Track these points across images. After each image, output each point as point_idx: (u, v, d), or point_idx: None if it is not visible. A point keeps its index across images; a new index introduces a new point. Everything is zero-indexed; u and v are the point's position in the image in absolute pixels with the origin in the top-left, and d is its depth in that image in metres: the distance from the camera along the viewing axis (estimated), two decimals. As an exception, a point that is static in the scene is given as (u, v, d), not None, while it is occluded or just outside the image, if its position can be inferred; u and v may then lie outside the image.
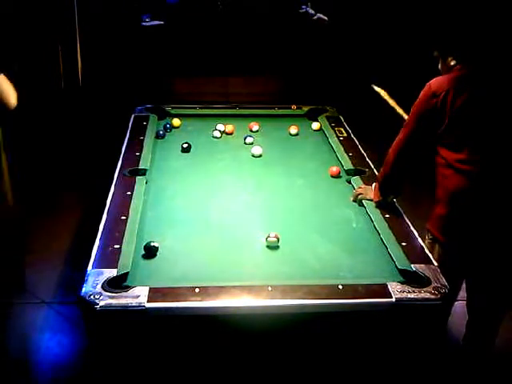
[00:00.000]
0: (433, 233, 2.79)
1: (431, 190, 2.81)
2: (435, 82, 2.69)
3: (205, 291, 2.25)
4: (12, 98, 3.29)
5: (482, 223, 2.70)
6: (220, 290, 2.27)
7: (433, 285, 2.33)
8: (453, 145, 2.67)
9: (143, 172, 3.23)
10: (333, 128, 3.90)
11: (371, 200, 2.98)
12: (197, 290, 2.25)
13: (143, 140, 3.60)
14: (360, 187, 3.10)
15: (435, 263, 2.50)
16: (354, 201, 3.06)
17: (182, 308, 2.20)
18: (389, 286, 2.31)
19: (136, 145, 3.54)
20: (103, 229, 2.66)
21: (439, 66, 2.82)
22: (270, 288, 2.29)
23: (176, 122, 3.95)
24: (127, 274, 2.36)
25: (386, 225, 2.78)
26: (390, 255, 2.56)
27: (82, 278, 2.31)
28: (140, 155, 3.40)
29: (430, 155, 2.80)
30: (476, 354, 3.07)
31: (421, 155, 2.81)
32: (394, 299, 2.25)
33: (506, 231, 2.72)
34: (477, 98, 2.62)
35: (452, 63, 2.72)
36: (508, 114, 2.65)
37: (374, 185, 3.02)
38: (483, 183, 2.65)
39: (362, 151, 3.59)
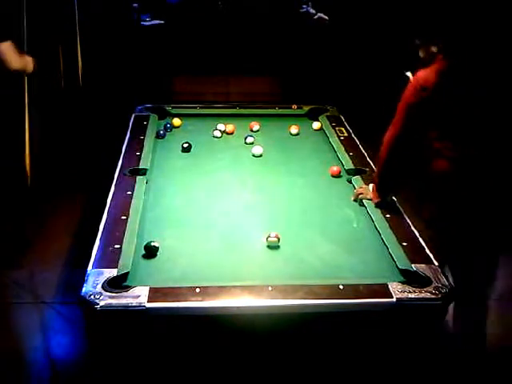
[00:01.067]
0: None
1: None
2: (422, 75, 2.72)
3: (205, 291, 2.24)
4: (13, 64, 3.85)
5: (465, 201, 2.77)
6: (220, 289, 2.27)
7: (433, 285, 2.33)
8: (438, 134, 2.72)
9: (143, 172, 3.22)
10: (333, 128, 3.89)
11: (371, 200, 2.98)
12: (197, 289, 2.24)
13: (143, 140, 3.60)
14: (361, 187, 3.09)
15: (436, 263, 2.50)
16: (355, 200, 3.06)
17: (183, 308, 2.19)
18: (389, 286, 2.30)
19: (136, 144, 3.54)
20: (103, 229, 2.65)
21: (420, 54, 2.82)
22: (270, 288, 2.28)
23: (176, 121, 3.95)
24: (127, 273, 2.36)
25: (387, 224, 2.77)
26: (391, 255, 2.56)
27: (82, 277, 2.30)
28: (140, 155, 3.40)
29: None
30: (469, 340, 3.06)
31: (414, 149, 2.82)
32: (394, 299, 2.25)
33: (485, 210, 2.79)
34: (462, 90, 2.67)
35: (434, 50, 2.74)
36: (492, 105, 2.70)
37: (371, 185, 3.02)
38: (466, 168, 2.72)
39: (363, 151, 3.59)
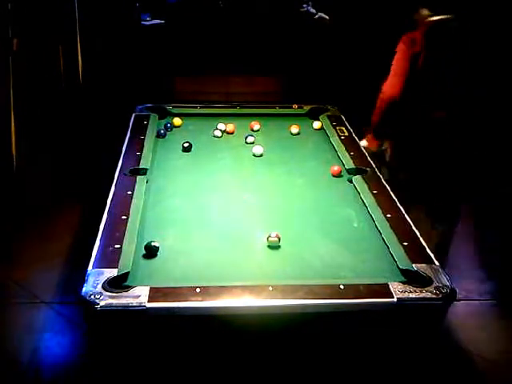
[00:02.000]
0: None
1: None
2: (410, 35, 3.30)
3: (205, 291, 2.24)
4: None
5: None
6: (221, 289, 2.26)
7: (434, 284, 2.32)
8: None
9: (144, 171, 3.22)
10: (334, 127, 3.89)
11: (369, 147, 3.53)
12: (197, 289, 2.24)
13: (144, 139, 3.59)
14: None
15: (437, 263, 2.49)
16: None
17: (183, 308, 2.19)
18: (390, 286, 2.30)
19: (137, 144, 3.53)
20: (104, 228, 2.65)
21: (415, 17, 3.35)
22: (270, 288, 2.28)
23: (177, 121, 3.94)
24: (128, 273, 2.35)
25: (388, 224, 2.77)
26: (392, 255, 2.55)
27: (82, 277, 2.30)
28: (141, 154, 3.39)
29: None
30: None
31: (407, 99, 3.35)
32: (395, 299, 2.24)
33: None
34: (442, 50, 3.27)
35: (426, 13, 3.29)
36: (471, 64, 3.28)
37: (365, 140, 3.61)
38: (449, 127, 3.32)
39: (364, 150, 3.58)
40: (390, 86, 3.31)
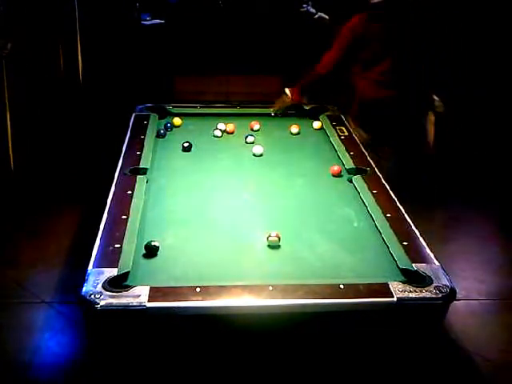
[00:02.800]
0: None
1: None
2: (354, 20, 4.14)
3: (205, 291, 2.24)
4: None
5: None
6: (221, 289, 2.26)
7: (434, 284, 2.32)
8: (368, 61, 4.16)
9: (144, 171, 3.22)
10: (334, 127, 3.90)
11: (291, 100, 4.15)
12: (197, 289, 2.24)
13: (144, 139, 3.60)
14: (275, 103, 4.15)
15: (436, 262, 2.49)
16: (276, 114, 4.11)
17: (183, 307, 2.19)
18: (390, 286, 2.30)
19: (137, 144, 3.54)
20: (104, 228, 2.65)
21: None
22: (270, 288, 2.28)
23: (177, 121, 3.95)
24: (128, 273, 2.35)
25: (387, 224, 2.77)
26: (391, 254, 2.55)
27: (82, 277, 2.30)
28: (141, 154, 3.39)
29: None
30: None
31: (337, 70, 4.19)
32: (395, 299, 2.24)
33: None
34: (382, 28, 4.04)
35: None
36: (404, 37, 4.09)
37: (288, 90, 4.15)
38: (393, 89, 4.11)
39: (363, 150, 3.58)
40: (325, 58, 4.12)
